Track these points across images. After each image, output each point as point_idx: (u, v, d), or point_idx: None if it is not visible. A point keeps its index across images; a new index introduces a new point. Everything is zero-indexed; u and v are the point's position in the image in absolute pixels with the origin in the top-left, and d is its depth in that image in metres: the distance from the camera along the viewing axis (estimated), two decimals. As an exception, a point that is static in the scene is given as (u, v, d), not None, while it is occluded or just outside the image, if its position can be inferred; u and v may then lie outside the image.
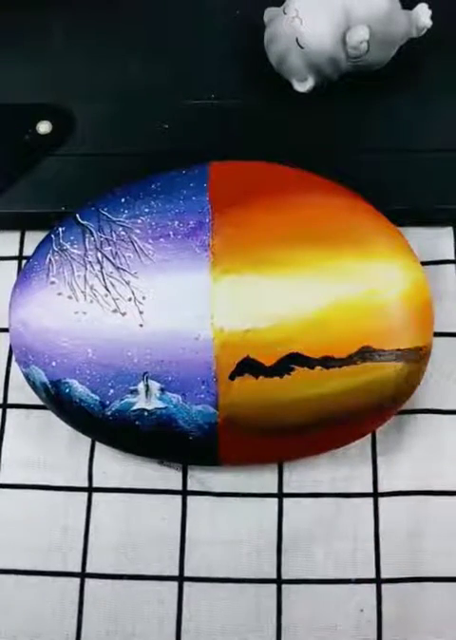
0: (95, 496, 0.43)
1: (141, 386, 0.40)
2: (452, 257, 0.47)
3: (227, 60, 0.51)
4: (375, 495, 0.43)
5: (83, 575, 0.42)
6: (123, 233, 0.42)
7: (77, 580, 0.42)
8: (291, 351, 0.39)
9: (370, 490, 0.43)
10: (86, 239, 0.42)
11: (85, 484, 0.44)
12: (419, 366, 0.40)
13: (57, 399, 0.41)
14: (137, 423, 0.40)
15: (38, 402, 0.42)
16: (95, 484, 0.44)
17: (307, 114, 0.48)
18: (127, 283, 0.41)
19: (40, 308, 0.41)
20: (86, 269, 0.41)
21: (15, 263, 0.48)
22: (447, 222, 0.47)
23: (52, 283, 0.41)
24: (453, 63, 0.50)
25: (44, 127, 0.49)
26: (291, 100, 0.48)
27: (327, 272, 0.40)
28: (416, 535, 0.42)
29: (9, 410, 0.45)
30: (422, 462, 0.43)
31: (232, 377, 0.39)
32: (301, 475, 0.43)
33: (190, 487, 0.43)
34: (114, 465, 0.44)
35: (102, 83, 0.51)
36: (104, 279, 0.41)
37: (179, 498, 0.43)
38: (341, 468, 0.43)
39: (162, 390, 0.40)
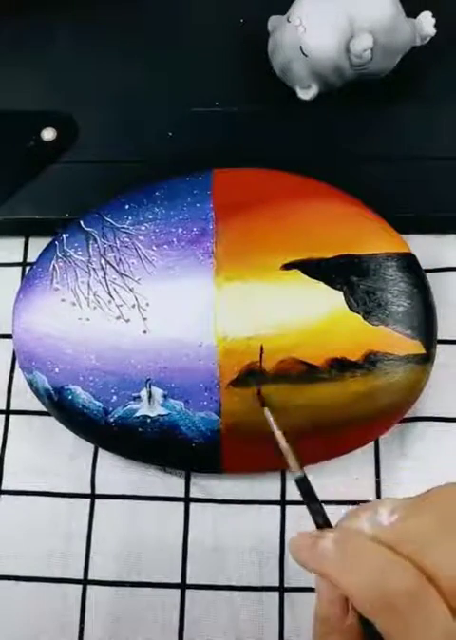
0: (98, 502, 0.43)
1: (144, 393, 0.40)
2: (456, 265, 0.47)
3: (231, 67, 0.51)
4: (378, 503, 0.42)
5: (85, 582, 0.42)
6: (126, 239, 0.42)
7: (79, 587, 0.42)
8: (294, 358, 0.39)
9: (373, 497, 0.43)
10: (90, 246, 0.42)
11: (88, 491, 0.44)
12: (423, 373, 0.40)
13: (60, 405, 0.41)
14: (140, 429, 0.40)
15: (41, 408, 0.42)
16: (98, 491, 0.44)
17: (311, 121, 0.48)
18: (131, 290, 0.41)
19: (43, 314, 0.41)
20: (90, 275, 0.42)
21: (19, 269, 0.48)
22: (451, 230, 0.47)
23: (56, 289, 0.42)
24: (457, 71, 0.51)
25: (48, 134, 0.49)
26: (294, 107, 0.49)
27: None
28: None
29: (12, 416, 0.45)
30: (425, 470, 0.43)
31: (235, 384, 0.39)
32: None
33: (193, 494, 0.43)
34: (117, 472, 0.44)
35: (106, 90, 0.51)
36: (107, 286, 0.41)
37: (181, 506, 0.43)
38: (344, 475, 0.43)
39: (165, 397, 0.40)
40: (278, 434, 0.35)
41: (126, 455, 0.43)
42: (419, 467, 0.43)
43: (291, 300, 0.40)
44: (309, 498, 0.32)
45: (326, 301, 0.40)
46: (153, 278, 0.41)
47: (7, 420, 0.45)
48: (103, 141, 0.49)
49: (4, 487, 0.44)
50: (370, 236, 0.42)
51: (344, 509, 0.42)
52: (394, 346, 0.40)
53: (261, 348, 0.39)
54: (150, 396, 0.40)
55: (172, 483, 0.43)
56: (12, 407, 0.46)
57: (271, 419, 0.36)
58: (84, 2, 0.54)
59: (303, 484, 0.32)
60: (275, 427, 0.36)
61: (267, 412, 0.37)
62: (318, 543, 0.28)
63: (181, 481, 0.44)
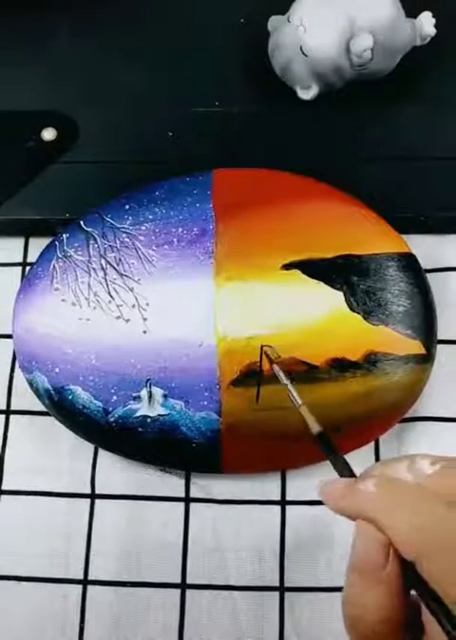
0: (98, 502, 0.43)
1: (144, 393, 0.40)
2: (456, 265, 0.47)
3: (231, 67, 0.51)
4: (378, 503, 0.42)
5: (85, 582, 0.42)
6: (126, 239, 0.42)
7: (79, 587, 0.42)
8: (294, 358, 0.39)
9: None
10: (90, 246, 0.42)
11: (88, 491, 0.44)
12: (423, 373, 0.40)
13: (60, 405, 0.41)
14: (140, 429, 0.40)
15: (41, 408, 0.42)
16: (98, 491, 0.44)
17: (311, 121, 0.48)
18: (131, 290, 0.41)
19: (44, 314, 0.41)
20: (90, 275, 0.42)
21: (19, 269, 0.48)
22: (451, 230, 0.47)
23: (56, 289, 0.42)
24: (457, 71, 0.51)
25: (48, 134, 0.49)
26: (295, 107, 0.49)
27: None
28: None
29: (12, 416, 0.45)
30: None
31: (235, 384, 0.39)
32: (304, 482, 0.43)
33: (193, 494, 0.43)
34: (117, 472, 0.44)
35: (106, 90, 0.51)
36: (107, 286, 0.41)
37: (181, 506, 0.43)
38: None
39: (165, 397, 0.40)
40: (293, 392, 0.35)
41: (126, 455, 0.43)
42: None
43: (291, 300, 0.40)
44: (330, 450, 0.32)
45: (326, 301, 0.40)
46: (153, 278, 0.41)
47: (7, 420, 0.45)
48: (103, 141, 0.49)
49: (4, 487, 0.44)
50: (370, 236, 0.42)
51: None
52: (394, 346, 0.40)
53: (262, 349, 0.39)
54: (150, 396, 0.40)
55: (172, 483, 0.43)
56: (12, 407, 0.46)
57: (281, 374, 0.37)
58: (84, 2, 0.54)
59: (323, 439, 0.33)
60: (289, 385, 0.36)
61: (276, 368, 0.37)
62: (357, 486, 0.28)
63: (181, 481, 0.44)
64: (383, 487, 0.27)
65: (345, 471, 0.31)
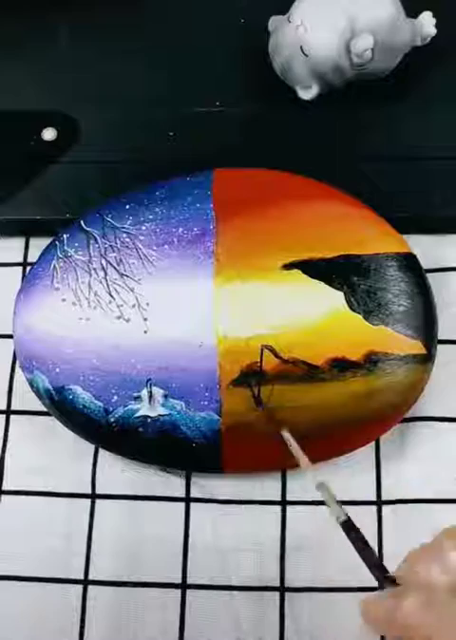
0: (98, 502, 0.43)
1: (144, 393, 0.40)
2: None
3: (232, 67, 0.51)
4: (379, 503, 0.42)
5: (85, 582, 0.42)
6: (127, 239, 0.42)
7: (79, 587, 0.42)
8: (294, 358, 0.39)
9: (374, 498, 0.43)
10: (91, 246, 0.42)
11: (89, 491, 0.44)
12: (423, 373, 0.40)
13: (61, 405, 0.41)
14: (140, 429, 0.40)
15: (41, 408, 0.42)
16: (98, 491, 0.44)
17: (311, 121, 0.48)
18: (131, 290, 0.41)
19: (44, 314, 0.41)
20: (91, 275, 0.42)
21: (19, 269, 0.48)
22: (451, 230, 0.47)
23: (56, 289, 0.42)
24: (457, 70, 0.51)
25: (49, 134, 0.49)
26: (295, 107, 0.49)
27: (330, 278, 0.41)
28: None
29: (12, 417, 0.45)
30: (426, 471, 0.43)
31: (235, 384, 0.39)
32: (304, 482, 0.43)
33: (193, 494, 0.43)
34: (117, 472, 0.44)
35: (107, 90, 0.51)
36: (108, 286, 0.41)
37: (182, 506, 0.43)
38: (344, 476, 0.43)
39: (166, 397, 0.40)
40: (316, 480, 0.34)
41: (127, 455, 0.43)
42: (420, 467, 0.43)
43: (291, 300, 0.40)
44: (358, 541, 0.30)
45: (326, 301, 0.40)
46: (153, 278, 0.41)
47: (7, 420, 0.45)
48: (103, 141, 0.49)
49: (4, 487, 0.44)
50: (370, 236, 0.42)
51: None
52: (395, 346, 0.40)
53: (262, 350, 0.39)
54: (151, 396, 0.40)
55: (172, 483, 0.43)
56: (13, 407, 0.46)
57: (300, 453, 0.36)
58: (84, 2, 0.54)
59: (348, 528, 0.30)
60: (311, 474, 0.35)
61: (291, 441, 0.37)
62: (400, 608, 0.27)
63: (182, 481, 0.44)
64: (427, 607, 0.26)
65: (374, 568, 0.29)
